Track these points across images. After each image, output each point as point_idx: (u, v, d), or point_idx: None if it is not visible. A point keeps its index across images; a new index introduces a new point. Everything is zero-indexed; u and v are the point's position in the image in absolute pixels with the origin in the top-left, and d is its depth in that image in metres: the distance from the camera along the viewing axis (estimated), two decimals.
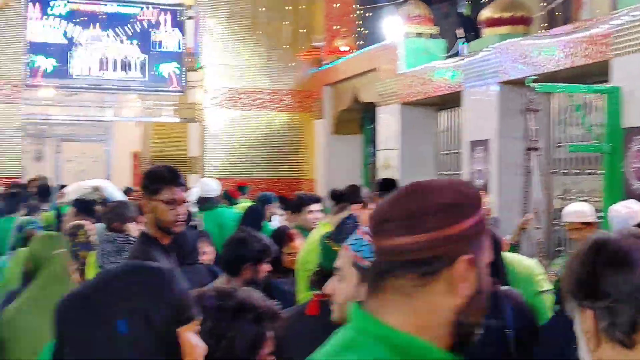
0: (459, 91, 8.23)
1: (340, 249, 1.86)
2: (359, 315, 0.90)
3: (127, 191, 9.00)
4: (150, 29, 12.50)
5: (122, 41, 12.39)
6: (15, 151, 11.77)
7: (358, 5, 12.61)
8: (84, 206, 5.49)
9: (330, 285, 1.77)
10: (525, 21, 8.16)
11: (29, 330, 2.68)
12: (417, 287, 0.85)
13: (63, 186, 9.15)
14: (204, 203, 6.48)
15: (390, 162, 10.15)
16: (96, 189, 7.25)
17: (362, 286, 1.49)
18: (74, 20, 12.15)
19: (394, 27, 10.25)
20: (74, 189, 7.44)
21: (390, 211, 0.90)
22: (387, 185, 6.04)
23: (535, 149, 7.03)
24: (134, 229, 4.50)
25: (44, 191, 8.64)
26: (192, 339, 1.06)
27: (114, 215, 4.50)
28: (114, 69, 12.39)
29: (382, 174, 9.85)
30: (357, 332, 0.90)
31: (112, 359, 0.99)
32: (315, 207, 5.28)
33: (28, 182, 10.57)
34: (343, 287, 1.69)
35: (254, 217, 5.48)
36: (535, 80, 6.32)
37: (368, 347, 0.86)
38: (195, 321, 1.10)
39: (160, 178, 2.65)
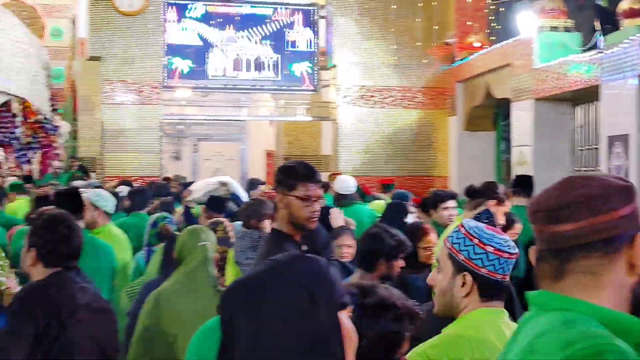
0: (596, 85, 8.58)
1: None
2: (555, 298, 1.09)
3: (252, 185, 9.87)
4: (283, 29, 13.70)
5: (256, 42, 13.65)
6: (155, 151, 13.22)
7: (490, 0, 13.03)
8: (214, 203, 6.11)
9: (431, 276, 2.07)
10: None
11: (175, 312, 3.18)
12: (604, 265, 1.06)
13: (188, 184, 10.16)
14: (341, 200, 7.10)
15: (525, 159, 10.69)
16: (223, 184, 8.12)
17: (457, 278, 1.91)
18: (209, 23, 13.55)
19: (528, 21, 10.74)
20: (201, 186, 8.31)
21: (565, 199, 1.12)
22: (523, 181, 6.65)
23: None
24: (269, 226, 5.10)
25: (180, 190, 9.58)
26: (350, 324, 1.22)
27: (251, 212, 5.17)
28: (248, 70, 13.65)
29: (516, 171, 10.39)
30: (562, 313, 1.07)
31: (282, 339, 1.14)
32: (450, 203, 5.78)
33: (164, 179, 11.73)
34: (439, 278, 1.95)
35: (395, 214, 5.88)
36: None
37: (583, 322, 1.03)
38: (349, 307, 1.28)
39: (296, 174, 2.87)
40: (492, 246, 1.95)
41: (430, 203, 5.98)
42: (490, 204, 4.73)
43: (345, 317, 1.19)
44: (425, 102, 13.36)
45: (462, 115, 12.70)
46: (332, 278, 1.23)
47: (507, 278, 2.06)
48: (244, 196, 8.27)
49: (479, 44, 12.31)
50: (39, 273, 2.77)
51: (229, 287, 1.37)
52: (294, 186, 2.86)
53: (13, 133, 14.58)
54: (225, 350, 1.22)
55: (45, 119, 15.04)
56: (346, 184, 7.38)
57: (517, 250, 2.06)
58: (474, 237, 1.97)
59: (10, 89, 14.01)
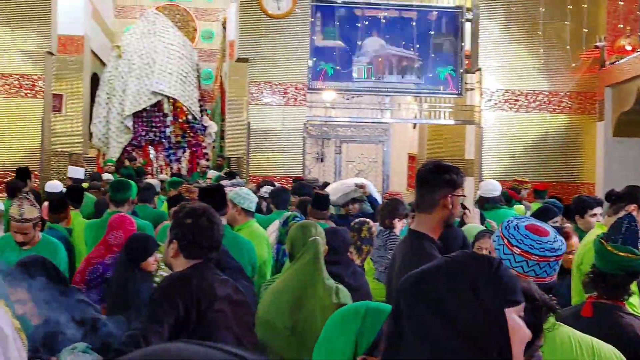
0: None
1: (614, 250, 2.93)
2: None
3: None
4: (428, 33, 15.39)
5: (400, 45, 15.43)
6: (298, 152, 14.80)
7: None
8: (318, 200, 7.10)
9: None
10: None
11: (285, 306, 3.92)
12: None
13: (325, 185, 10.97)
14: (485, 203, 7.95)
15: None
16: (360, 186, 8.85)
17: None
18: (355, 26, 15.30)
19: None
20: (336, 188, 9.02)
21: None
22: None
23: None
24: (399, 226, 6.16)
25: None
26: (518, 321, 1.48)
27: (387, 212, 6.03)
28: (392, 73, 15.55)
29: None
30: None
31: (446, 333, 1.43)
32: (597, 210, 6.31)
33: (294, 180, 12.18)
34: None
35: (543, 218, 6.00)
36: None
37: None
38: (520, 305, 1.55)
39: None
40: (519, 248, 2.42)
41: (576, 209, 6.60)
42: (631, 209, 5.21)
43: (512, 314, 1.48)
44: (573, 106, 14.60)
45: (611, 120, 13.81)
46: (501, 275, 1.53)
47: (545, 280, 2.51)
48: (380, 198, 9.30)
49: (630, 48, 13.34)
50: (180, 264, 3.38)
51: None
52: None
53: (163, 132, 17.28)
54: (393, 336, 1.54)
55: (194, 119, 17.43)
56: (491, 186, 8.41)
57: (556, 253, 2.51)
58: (504, 238, 2.49)
59: (163, 90, 16.83)
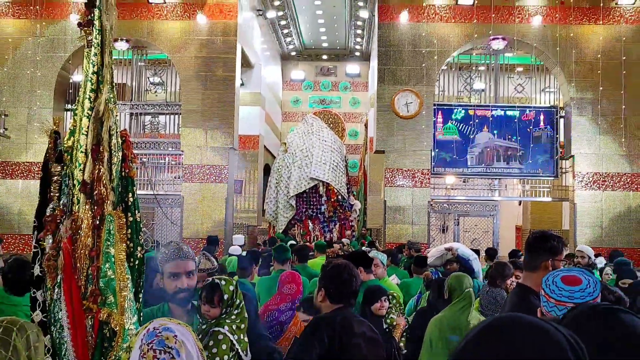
0: None
1: None
2: None
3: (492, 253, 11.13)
4: (528, 127, 15.84)
5: (506, 137, 15.86)
6: (424, 224, 15.25)
7: None
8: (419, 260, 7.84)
9: None
10: None
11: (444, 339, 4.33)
12: None
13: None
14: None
15: None
16: (448, 249, 8.62)
17: None
18: (469, 123, 15.97)
19: None
20: (434, 252, 8.87)
21: None
22: None
23: None
24: (509, 284, 6.04)
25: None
26: None
27: (496, 274, 5.95)
28: (499, 160, 15.92)
29: None
30: None
31: None
32: None
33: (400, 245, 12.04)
34: None
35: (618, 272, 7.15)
36: None
37: None
38: None
39: (561, 242, 3.55)
40: (554, 299, 2.44)
41: None
42: None
43: None
44: None
45: None
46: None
47: None
48: (473, 258, 8.79)
49: None
50: (326, 307, 3.54)
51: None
52: (559, 252, 3.55)
53: (319, 209, 17.67)
54: None
55: (343, 198, 17.75)
56: (586, 251, 8.99)
57: (587, 298, 2.43)
58: (543, 289, 2.53)
59: (319, 176, 17.38)
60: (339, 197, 17.77)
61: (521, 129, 16.19)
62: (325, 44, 22.91)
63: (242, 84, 17.57)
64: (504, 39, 15.13)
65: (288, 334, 4.81)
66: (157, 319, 2.08)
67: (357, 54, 23.07)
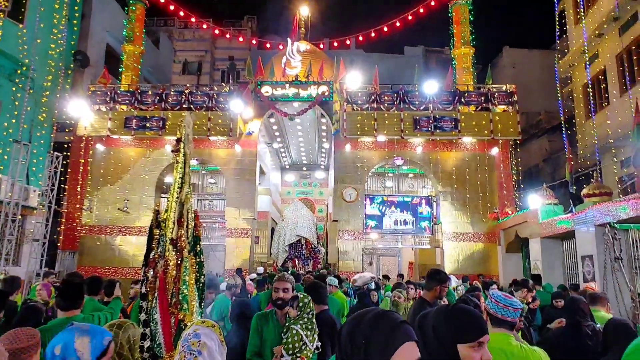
0: (573, 230, 8.88)
1: None
2: None
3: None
4: (417, 206, 16.08)
5: (403, 212, 16.14)
6: (359, 260, 14.31)
7: (516, 192, 14.52)
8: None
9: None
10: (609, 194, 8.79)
11: None
12: None
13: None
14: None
15: (538, 267, 10.50)
16: (372, 277, 8.30)
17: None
18: (384, 204, 16.20)
19: (536, 201, 11.01)
20: (361, 277, 8.35)
21: None
22: (534, 277, 7.01)
23: None
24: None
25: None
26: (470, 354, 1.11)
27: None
28: (399, 224, 16.00)
29: (534, 272, 10.38)
30: None
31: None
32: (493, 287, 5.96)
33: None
34: None
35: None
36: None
37: None
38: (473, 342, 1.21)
39: (444, 276, 3.37)
40: (501, 303, 2.19)
41: (485, 285, 6.27)
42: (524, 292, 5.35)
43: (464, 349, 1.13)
44: (485, 239, 14.32)
45: (504, 245, 13.58)
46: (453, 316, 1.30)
47: (509, 320, 2.13)
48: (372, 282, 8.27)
49: (510, 212, 13.59)
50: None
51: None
52: (446, 281, 3.39)
53: (302, 252, 16.80)
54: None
55: (314, 247, 16.99)
56: (452, 279, 8.66)
57: (520, 307, 2.19)
58: (493, 299, 2.28)
59: (301, 234, 16.69)
60: (313, 246, 17.06)
61: (412, 207, 16.30)
62: (304, 161, 22.81)
63: (259, 184, 17.64)
64: (402, 159, 15.33)
65: None
66: (194, 324, 1.81)
67: (322, 166, 23.11)
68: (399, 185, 17.06)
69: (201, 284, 3.70)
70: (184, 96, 15.51)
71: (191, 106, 15.31)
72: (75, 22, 15.64)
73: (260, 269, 12.99)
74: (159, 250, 3.52)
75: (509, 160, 14.67)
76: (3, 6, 12.20)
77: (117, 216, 15.18)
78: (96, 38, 17.09)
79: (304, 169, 23.65)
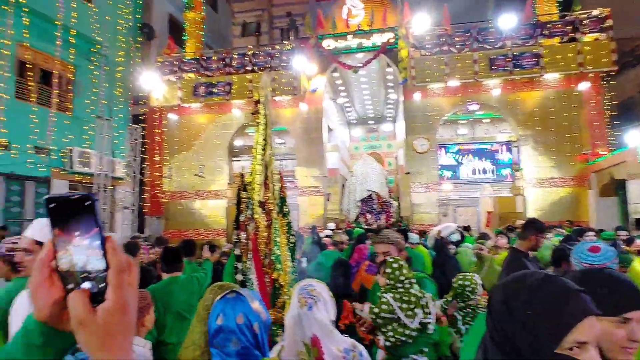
0: None
1: None
2: None
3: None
4: (495, 153, 15.49)
5: (482, 159, 15.88)
6: (434, 212, 13.92)
7: (610, 128, 12.98)
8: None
9: None
10: None
11: None
12: None
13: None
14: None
15: (638, 210, 10.27)
16: (461, 227, 8.08)
17: None
18: (461, 153, 16.15)
19: (634, 136, 10.29)
20: (446, 227, 7.73)
21: None
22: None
23: None
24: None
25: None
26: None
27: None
28: (479, 173, 15.87)
29: (633, 217, 10.09)
30: None
31: None
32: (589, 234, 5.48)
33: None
34: None
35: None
36: None
37: None
38: None
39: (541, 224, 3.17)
40: (584, 263, 2.05)
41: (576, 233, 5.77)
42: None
43: None
44: (574, 184, 13.40)
45: (597, 189, 12.78)
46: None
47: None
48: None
49: (603, 152, 12.76)
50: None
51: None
52: (544, 230, 3.22)
53: (373, 207, 16.97)
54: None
55: (385, 200, 17.13)
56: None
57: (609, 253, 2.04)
58: (574, 256, 2.15)
59: (372, 189, 16.79)
60: (383, 200, 17.06)
61: (491, 155, 15.85)
62: (371, 114, 22.41)
63: (328, 141, 17.42)
64: (477, 103, 14.52)
65: (356, 278, 4.45)
66: (305, 279, 1.93)
67: (389, 118, 22.65)
68: (474, 131, 16.35)
69: (291, 244, 3.65)
70: (246, 58, 15.51)
71: (254, 68, 15.32)
72: None
73: (332, 225, 12.99)
74: (247, 213, 3.49)
75: (601, 95, 13.35)
76: None
77: (194, 181, 15.81)
78: (159, 9, 17.39)
79: (371, 122, 23.30)
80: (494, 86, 14.28)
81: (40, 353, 0.62)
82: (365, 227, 13.59)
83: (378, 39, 14.66)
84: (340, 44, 14.94)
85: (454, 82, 14.13)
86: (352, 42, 14.86)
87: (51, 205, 0.60)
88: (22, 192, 11.34)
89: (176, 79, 15.98)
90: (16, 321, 1.80)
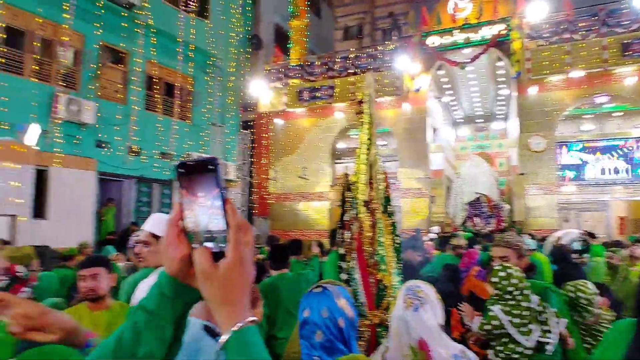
0: None
1: None
2: None
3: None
4: (629, 151, 14.01)
5: (612, 158, 14.39)
6: (552, 217, 12.86)
7: None
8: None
9: None
10: None
11: None
12: None
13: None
14: None
15: None
16: (585, 233, 7.42)
17: None
18: (587, 151, 14.60)
19: None
20: (564, 234, 7.33)
21: None
22: None
23: None
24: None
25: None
26: None
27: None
28: (609, 173, 14.35)
29: None
30: None
31: None
32: None
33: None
34: None
35: None
36: None
37: None
38: None
39: None
40: None
41: None
42: None
43: None
44: None
45: None
46: None
47: None
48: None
49: None
50: None
51: None
52: None
53: (481, 211, 15.31)
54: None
55: (495, 204, 15.51)
56: None
57: None
58: None
59: (480, 191, 15.69)
60: (494, 202, 15.81)
61: (624, 152, 14.26)
62: (479, 112, 21.20)
63: (432, 141, 16.85)
64: (606, 95, 12.94)
65: (466, 283, 4.21)
66: (411, 280, 1.91)
67: (500, 116, 21.14)
68: (602, 127, 14.75)
69: (397, 245, 3.56)
70: (348, 61, 15.68)
71: (356, 70, 15.41)
72: (248, 8, 17.09)
73: (436, 229, 12.56)
74: (351, 212, 3.48)
75: None
76: (194, 7, 13.95)
77: (298, 183, 16.34)
78: (266, 20, 18.32)
79: (479, 120, 22.17)
80: (628, 74, 12.60)
81: (170, 304, 0.69)
82: (475, 231, 13.03)
83: (487, 32, 13.81)
84: (446, 40, 14.38)
85: (577, 73, 12.76)
86: (458, 37, 14.22)
87: (180, 170, 0.67)
88: (150, 193, 12.70)
89: (282, 85, 16.72)
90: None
